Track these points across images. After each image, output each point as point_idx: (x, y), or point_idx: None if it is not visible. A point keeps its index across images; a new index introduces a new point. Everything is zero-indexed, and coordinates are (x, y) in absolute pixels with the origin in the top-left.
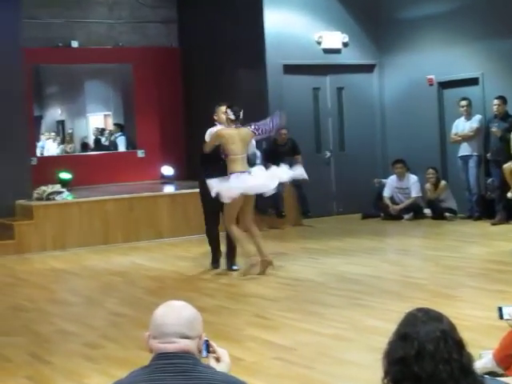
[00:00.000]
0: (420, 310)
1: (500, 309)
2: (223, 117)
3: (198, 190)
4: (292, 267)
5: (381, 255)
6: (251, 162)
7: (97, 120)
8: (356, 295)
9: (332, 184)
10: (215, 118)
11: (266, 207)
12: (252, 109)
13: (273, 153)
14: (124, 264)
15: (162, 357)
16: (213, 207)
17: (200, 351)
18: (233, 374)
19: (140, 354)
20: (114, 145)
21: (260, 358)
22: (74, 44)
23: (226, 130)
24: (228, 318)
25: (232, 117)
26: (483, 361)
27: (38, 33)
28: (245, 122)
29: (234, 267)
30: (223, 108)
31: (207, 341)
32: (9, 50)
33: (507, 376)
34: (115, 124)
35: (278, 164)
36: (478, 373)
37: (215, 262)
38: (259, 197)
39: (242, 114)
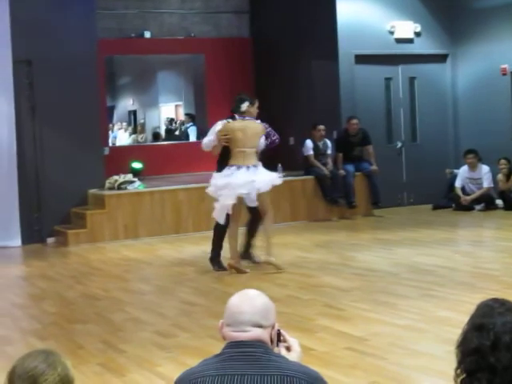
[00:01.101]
0: (496, 300)
1: None
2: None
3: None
4: (364, 257)
5: (453, 246)
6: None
7: (168, 110)
8: (428, 286)
9: (403, 174)
10: (251, 110)
11: (337, 197)
12: (324, 99)
13: (344, 143)
14: (195, 253)
15: (234, 345)
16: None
17: (272, 341)
18: (305, 363)
19: (212, 343)
20: (185, 135)
21: (332, 348)
22: (147, 35)
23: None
24: (299, 308)
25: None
26: None
27: (112, 24)
28: (313, 112)
29: (256, 259)
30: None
31: (278, 330)
32: (84, 41)
33: None
34: (186, 114)
35: (349, 154)
36: None
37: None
38: (330, 187)
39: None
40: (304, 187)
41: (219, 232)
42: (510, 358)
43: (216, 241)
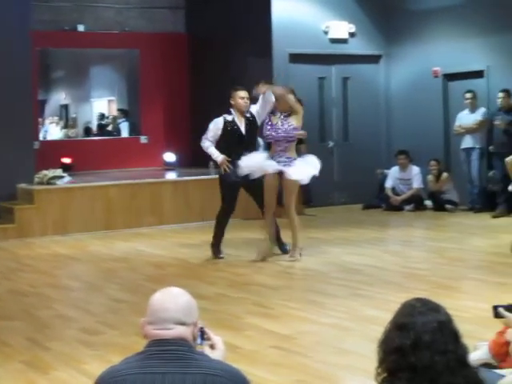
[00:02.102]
0: (418, 300)
1: (495, 307)
2: (240, 101)
3: (204, 177)
4: None
5: (383, 246)
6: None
7: (101, 105)
8: (357, 285)
9: (334, 174)
10: (232, 102)
11: None
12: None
13: None
14: (126, 250)
15: (156, 343)
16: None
17: (195, 338)
18: (231, 361)
19: (139, 341)
20: (117, 130)
21: (258, 346)
22: (80, 28)
23: None
24: (228, 306)
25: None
26: (478, 352)
27: (47, 16)
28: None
29: (286, 247)
30: (241, 93)
31: (202, 328)
32: (18, 32)
33: (501, 368)
34: (119, 109)
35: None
36: (473, 364)
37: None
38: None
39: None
40: None
41: (220, 220)
42: (430, 357)
43: (217, 228)
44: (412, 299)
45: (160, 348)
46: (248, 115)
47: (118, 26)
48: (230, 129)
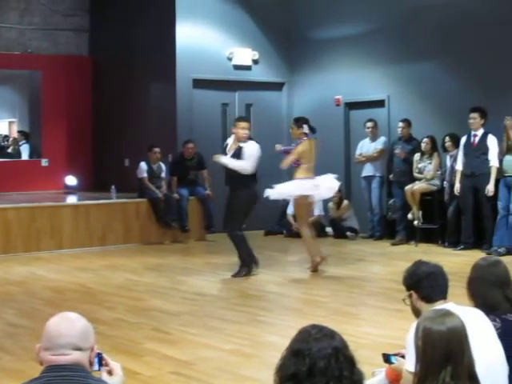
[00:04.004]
0: (314, 326)
1: (385, 355)
2: (241, 132)
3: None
4: (195, 282)
5: (284, 272)
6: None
7: (1, 127)
8: (257, 311)
9: None
10: (233, 131)
11: (171, 220)
12: (161, 121)
13: (180, 166)
14: (24, 274)
15: (53, 369)
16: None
17: (91, 364)
18: None
19: (35, 366)
20: (18, 153)
21: (157, 372)
22: None
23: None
24: (127, 332)
25: (307, 131)
26: (376, 379)
27: None
28: (149, 134)
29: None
30: (242, 124)
31: (100, 354)
32: None
33: None
34: (20, 131)
35: (184, 178)
36: None
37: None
38: (163, 210)
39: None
40: (138, 209)
41: (238, 238)
42: (326, 383)
43: (241, 246)
44: (308, 325)
45: (56, 374)
46: (241, 145)
47: (21, 47)
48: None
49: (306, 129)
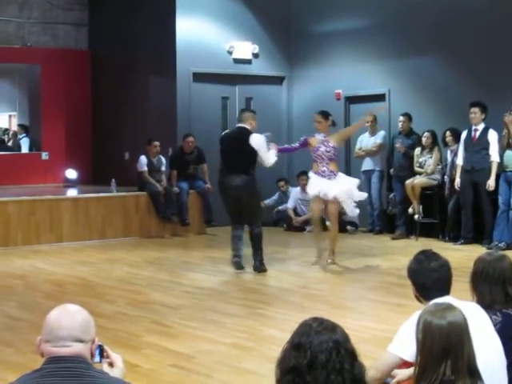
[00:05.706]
0: (315, 319)
1: None
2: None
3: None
4: (195, 275)
5: (283, 266)
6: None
7: (1, 120)
8: (257, 305)
9: None
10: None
11: (170, 214)
12: (161, 115)
13: (179, 160)
14: (24, 267)
15: (54, 360)
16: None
17: (92, 355)
18: (129, 380)
19: (36, 359)
20: (17, 146)
21: (157, 365)
22: None
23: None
24: (127, 325)
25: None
26: None
27: None
28: (149, 127)
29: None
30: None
31: (101, 346)
32: None
33: None
34: (19, 125)
35: (184, 172)
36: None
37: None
38: (163, 203)
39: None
40: (137, 203)
41: (261, 235)
42: (326, 376)
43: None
44: (309, 319)
45: (57, 365)
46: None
47: (20, 41)
48: None
49: (330, 122)
